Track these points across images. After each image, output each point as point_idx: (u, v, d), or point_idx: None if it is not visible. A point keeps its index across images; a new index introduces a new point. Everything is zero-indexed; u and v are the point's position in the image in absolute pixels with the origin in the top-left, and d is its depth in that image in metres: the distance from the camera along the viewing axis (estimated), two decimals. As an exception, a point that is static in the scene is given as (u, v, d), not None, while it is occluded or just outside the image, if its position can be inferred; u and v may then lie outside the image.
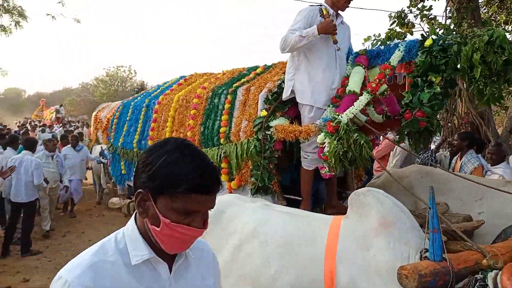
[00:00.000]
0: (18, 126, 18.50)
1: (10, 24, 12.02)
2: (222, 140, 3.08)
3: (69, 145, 7.87)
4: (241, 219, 2.06)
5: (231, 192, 3.13)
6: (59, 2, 11.94)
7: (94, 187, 9.59)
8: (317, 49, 2.71)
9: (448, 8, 6.69)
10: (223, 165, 3.09)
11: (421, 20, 6.76)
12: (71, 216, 7.95)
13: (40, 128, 15.11)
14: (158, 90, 5.00)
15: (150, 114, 4.60)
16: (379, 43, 6.46)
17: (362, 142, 2.05)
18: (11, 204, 5.92)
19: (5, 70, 13.21)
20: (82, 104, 31.82)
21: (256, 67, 3.54)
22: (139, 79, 32.46)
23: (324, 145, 2.22)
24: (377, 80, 2.41)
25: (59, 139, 9.41)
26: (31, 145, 6.28)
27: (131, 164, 5.07)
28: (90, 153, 8.61)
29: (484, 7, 8.36)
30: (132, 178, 5.35)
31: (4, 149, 6.81)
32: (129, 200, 5.67)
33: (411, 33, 6.53)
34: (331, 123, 2.18)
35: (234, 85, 3.21)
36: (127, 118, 5.27)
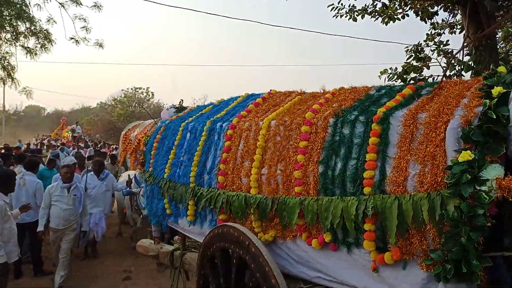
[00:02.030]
0: (35, 145, 17.75)
1: (36, 47, 12.08)
2: (367, 189, 2.07)
3: (91, 172, 6.78)
4: None
5: (375, 268, 2.09)
6: (83, 27, 11.99)
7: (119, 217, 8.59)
8: None
9: (465, 44, 6.25)
10: (367, 226, 2.06)
11: (438, 55, 6.58)
12: (94, 255, 6.90)
13: (59, 148, 14.26)
14: (223, 112, 4.00)
15: (217, 141, 3.57)
16: (395, 76, 6.04)
17: None
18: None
19: (29, 89, 12.89)
20: (99, 124, 31.41)
21: (394, 87, 2.53)
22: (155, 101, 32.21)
23: None
24: None
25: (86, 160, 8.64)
26: (32, 166, 6.26)
27: (179, 202, 3.97)
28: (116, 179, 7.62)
29: (502, 42, 8.38)
30: (180, 220, 4.12)
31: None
32: (171, 247, 4.50)
33: (428, 67, 6.33)
34: None
35: (379, 110, 2.21)
36: (175, 143, 4.22)
